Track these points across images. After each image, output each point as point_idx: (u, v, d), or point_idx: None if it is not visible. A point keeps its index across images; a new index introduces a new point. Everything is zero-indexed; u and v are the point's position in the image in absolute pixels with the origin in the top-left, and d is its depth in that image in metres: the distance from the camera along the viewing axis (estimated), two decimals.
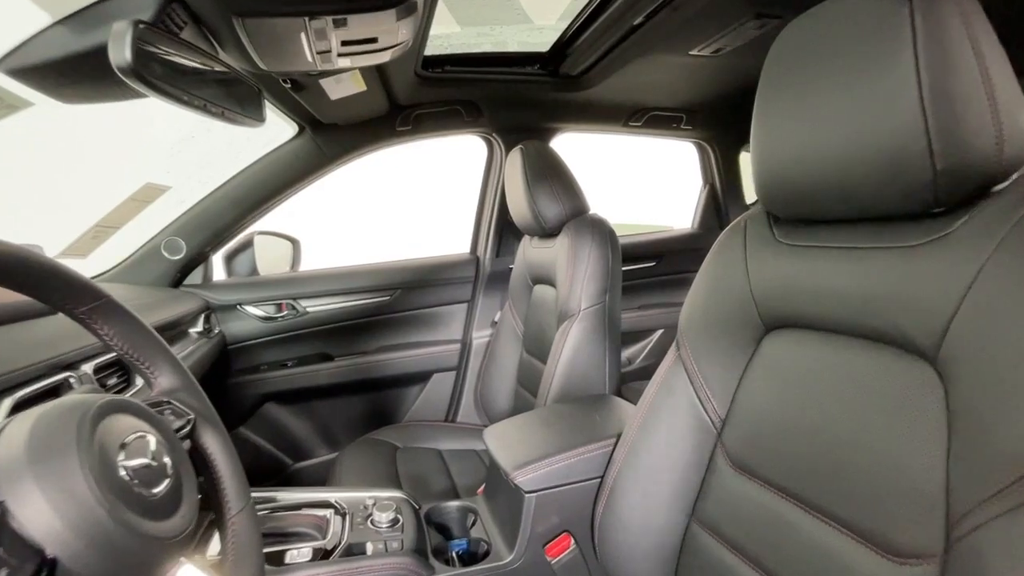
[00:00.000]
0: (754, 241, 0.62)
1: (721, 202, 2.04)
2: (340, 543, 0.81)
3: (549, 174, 1.28)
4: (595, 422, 1.00)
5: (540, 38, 1.33)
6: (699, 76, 1.51)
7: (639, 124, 1.73)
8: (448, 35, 1.32)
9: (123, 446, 0.40)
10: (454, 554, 0.92)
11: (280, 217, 1.59)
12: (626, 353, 1.99)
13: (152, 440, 0.43)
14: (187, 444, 0.54)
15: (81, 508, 0.34)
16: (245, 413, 1.59)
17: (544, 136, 1.70)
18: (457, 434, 1.57)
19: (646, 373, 2.09)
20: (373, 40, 0.87)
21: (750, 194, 2.11)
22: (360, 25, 0.81)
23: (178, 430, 0.52)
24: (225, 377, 1.55)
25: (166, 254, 1.41)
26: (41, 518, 0.32)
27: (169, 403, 0.53)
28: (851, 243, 0.51)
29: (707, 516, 0.65)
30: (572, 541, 0.88)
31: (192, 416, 0.54)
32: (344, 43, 0.86)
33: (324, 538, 0.82)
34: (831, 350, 0.53)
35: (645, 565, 0.70)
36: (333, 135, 1.46)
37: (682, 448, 0.67)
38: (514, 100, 1.53)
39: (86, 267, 1.33)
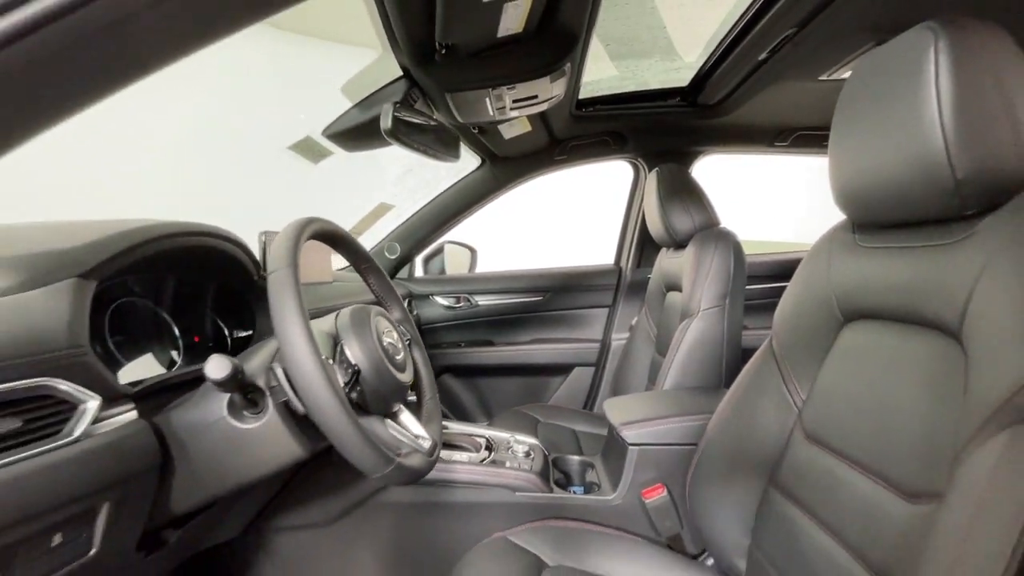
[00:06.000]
0: (837, 247, 0.72)
1: None
2: (487, 458, 1.12)
3: (680, 191, 1.46)
4: (698, 401, 1.15)
5: (678, 75, 1.52)
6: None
7: (786, 144, 1.76)
8: (598, 81, 1.61)
9: (383, 332, 0.76)
10: (571, 491, 1.16)
11: (464, 230, 2.05)
12: None
13: (395, 334, 0.78)
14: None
15: (371, 352, 0.70)
16: None
17: (687, 159, 1.85)
18: (591, 421, 1.77)
19: None
20: (534, 96, 1.20)
21: None
22: (525, 88, 1.15)
23: None
24: None
25: (387, 254, 1.95)
26: (354, 351, 0.69)
27: (399, 326, 0.91)
28: (907, 243, 0.60)
29: (782, 480, 0.76)
30: (665, 490, 1.05)
31: (408, 337, 0.91)
32: (514, 101, 1.21)
33: (477, 452, 1.14)
34: (891, 335, 0.62)
35: (727, 514, 0.84)
36: (505, 165, 1.85)
37: (766, 423, 0.80)
38: (657, 128, 1.74)
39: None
